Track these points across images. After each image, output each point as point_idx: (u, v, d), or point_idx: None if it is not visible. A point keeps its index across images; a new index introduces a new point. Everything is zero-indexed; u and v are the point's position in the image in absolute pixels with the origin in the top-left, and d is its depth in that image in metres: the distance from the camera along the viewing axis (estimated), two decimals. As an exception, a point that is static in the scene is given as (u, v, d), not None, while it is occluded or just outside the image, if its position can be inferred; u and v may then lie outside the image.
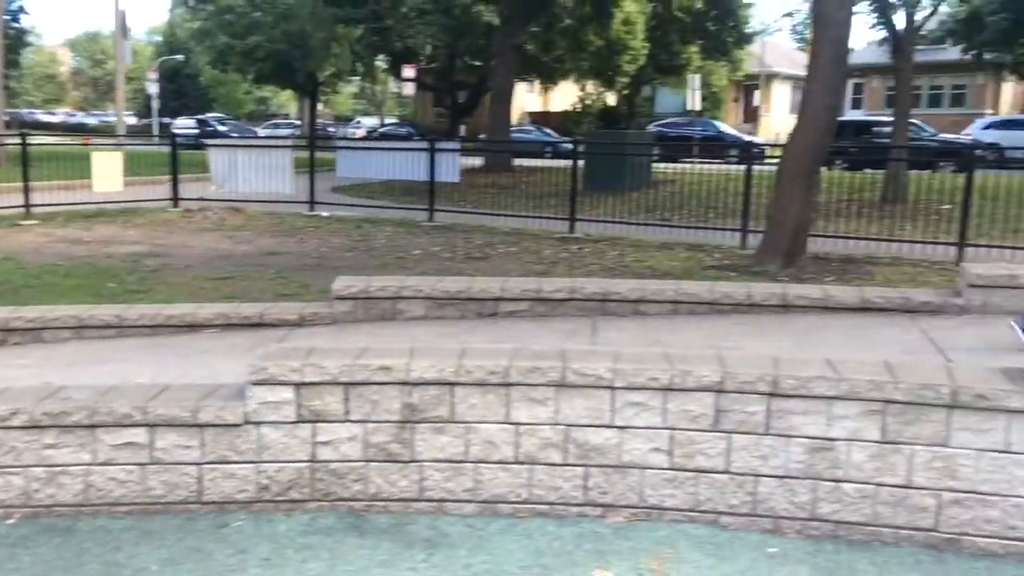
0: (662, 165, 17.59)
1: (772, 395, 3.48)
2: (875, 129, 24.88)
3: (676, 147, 25.40)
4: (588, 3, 20.76)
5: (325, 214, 14.15)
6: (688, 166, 15.32)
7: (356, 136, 36.27)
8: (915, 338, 4.65)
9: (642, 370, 3.54)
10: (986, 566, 3.30)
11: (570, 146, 16.89)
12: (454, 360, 3.59)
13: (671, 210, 13.41)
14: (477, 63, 32.37)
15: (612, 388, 3.56)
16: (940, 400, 3.33)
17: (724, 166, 13.89)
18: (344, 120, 58.03)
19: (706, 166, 14.64)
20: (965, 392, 3.30)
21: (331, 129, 47.30)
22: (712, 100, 41.41)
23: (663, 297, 5.37)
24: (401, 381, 3.57)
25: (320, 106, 47.39)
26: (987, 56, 31.30)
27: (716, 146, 26.56)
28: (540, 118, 41.18)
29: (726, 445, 3.54)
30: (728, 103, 45.49)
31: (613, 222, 12.65)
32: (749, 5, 26.37)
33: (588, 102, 39.96)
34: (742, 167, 12.00)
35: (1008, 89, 42.14)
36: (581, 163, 15.75)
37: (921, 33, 28.90)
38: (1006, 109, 40.99)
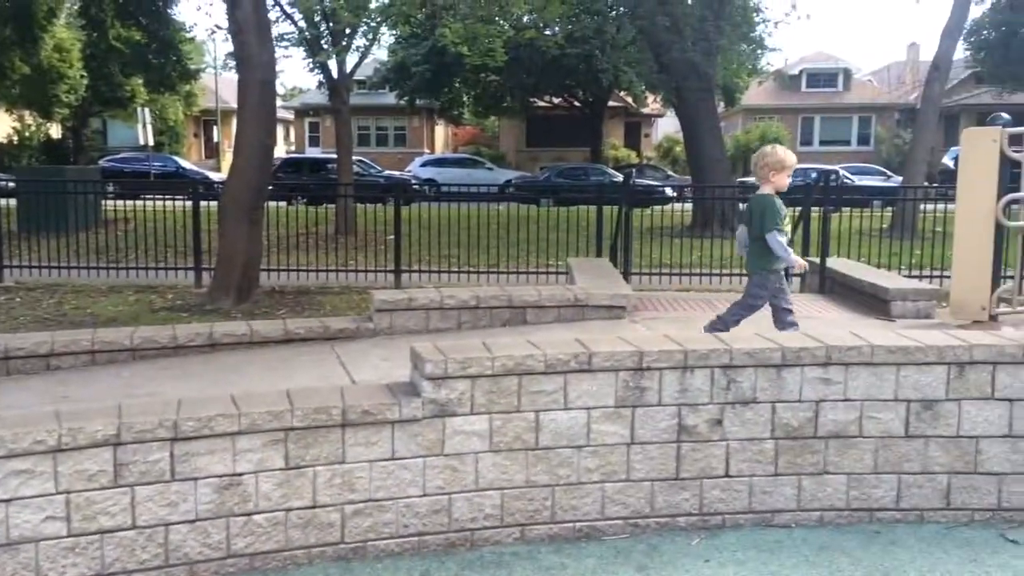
0: (115, 202, 16.47)
1: (175, 440, 3.41)
2: (330, 166, 26.40)
3: (130, 183, 24.03)
4: (8, 26, 18.53)
5: None
6: (144, 203, 14.54)
7: None
8: (330, 363, 4.99)
9: (25, 434, 3.22)
10: (385, 566, 3.65)
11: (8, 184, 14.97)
12: None
13: (123, 251, 12.62)
14: None
15: (-11, 459, 3.17)
16: (333, 421, 3.60)
17: (182, 203, 13.44)
18: None
19: (163, 203, 14.01)
20: (353, 410, 3.61)
21: None
22: (170, 134, 40.09)
23: (78, 348, 4.98)
24: None
25: None
26: (419, 101, 35.38)
27: (174, 182, 25.75)
28: (-33, 151, 35.65)
29: (130, 499, 3.38)
30: (189, 138, 44.48)
31: (54, 267, 11.49)
32: (191, 39, 26.03)
33: (26, 134, 35.73)
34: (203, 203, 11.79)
35: (440, 131, 48.12)
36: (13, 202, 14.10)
37: (360, 79, 31.56)
38: (440, 148, 46.73)
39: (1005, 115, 5.61)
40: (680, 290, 10.19)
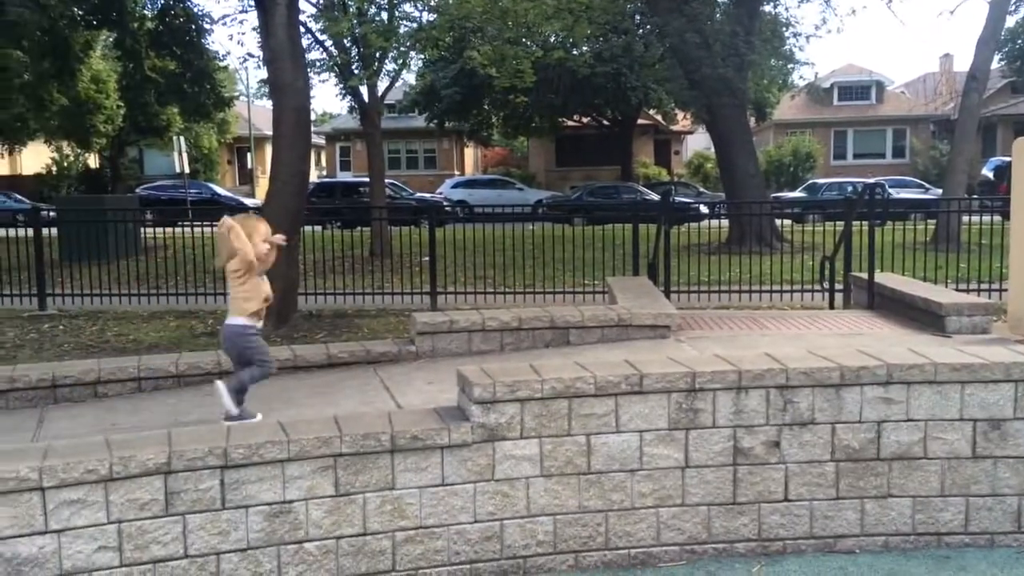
0: (153, 230, 16.70)
1: (225, 467, 3.38)
2: (363, 189, 26.58)
3: (167, 211, 24.42)
4: (47, 59, 18.89)
5: None
6: (181, 230, 14.68)
7: None
8: (374, 387, 4.94)
9: (76, 463, 3.20)
10: (437, 594, 3.57)
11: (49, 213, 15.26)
12: None
13: (163, 277, 12.72)
14: (-87, 120, 27.50)
15: (42, 489, 3.16)
16: (382, 447, 3.55)
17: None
18: None
19: (200, 229, 14.11)
20: (402, 436, 3.56)
21: None
22: (205, 162, 40.63)
23: (124, 375, 4.99)
24: None
25: None
26: (448, 124, 35.55)
27: (211, 209, 26.07)
28: (9, 182, 36.41)
29: (181, 528, 3.35)
30: (223, 165, 45.06)
31: (95, 295, 11.60)
32: (224, 68, 26.37)
33: (65, 164, 36.41)
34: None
35: (470, 153, 48.31)
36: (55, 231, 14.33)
37: (390, 103, 31.75)
38: (470, 170, 46.89)
39: (1058, 124, 5.44)
40: (720, 307, 10.05)
